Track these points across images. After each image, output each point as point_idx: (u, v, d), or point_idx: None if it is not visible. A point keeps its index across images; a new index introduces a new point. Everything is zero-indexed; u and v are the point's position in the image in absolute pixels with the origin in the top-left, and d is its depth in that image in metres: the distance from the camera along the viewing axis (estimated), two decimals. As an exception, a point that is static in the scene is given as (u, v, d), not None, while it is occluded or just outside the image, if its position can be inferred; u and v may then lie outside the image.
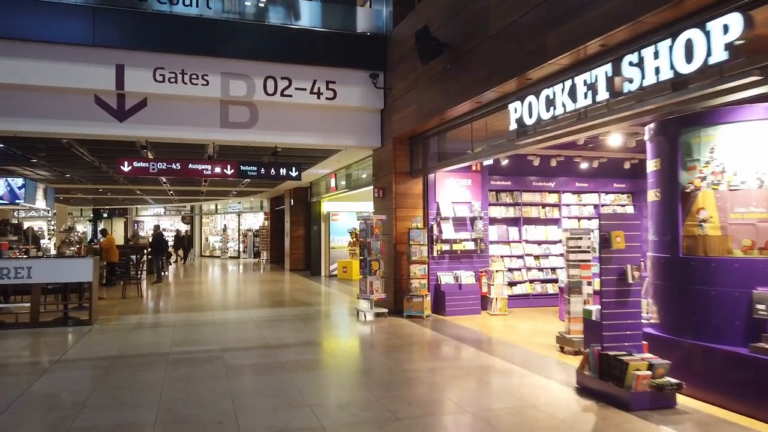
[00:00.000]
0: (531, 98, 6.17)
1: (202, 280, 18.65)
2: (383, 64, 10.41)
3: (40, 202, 15.16)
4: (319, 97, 10.06)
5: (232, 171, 10.26)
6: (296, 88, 9.94)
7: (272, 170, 10.57)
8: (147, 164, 9.77)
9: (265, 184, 19.85)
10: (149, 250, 16.40)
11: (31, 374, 6.02)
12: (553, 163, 10.05)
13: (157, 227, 17.14)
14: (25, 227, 17.40)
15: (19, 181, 13.31)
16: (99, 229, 19.22)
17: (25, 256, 14.11)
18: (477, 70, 7.26)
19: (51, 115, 8.93)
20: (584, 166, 10.50)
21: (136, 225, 35.95)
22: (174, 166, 9.93)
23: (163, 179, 17.37)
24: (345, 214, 18.56)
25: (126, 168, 9.66)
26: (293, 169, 10.76)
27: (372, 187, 13.65)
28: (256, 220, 31.26)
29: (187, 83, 9.36)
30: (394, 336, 8.15)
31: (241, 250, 30.91)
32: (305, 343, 7.84)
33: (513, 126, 6.56)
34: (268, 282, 17.05)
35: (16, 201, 13.33)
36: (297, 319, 9.92)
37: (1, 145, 10.92)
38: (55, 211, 27.83)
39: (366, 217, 10.07)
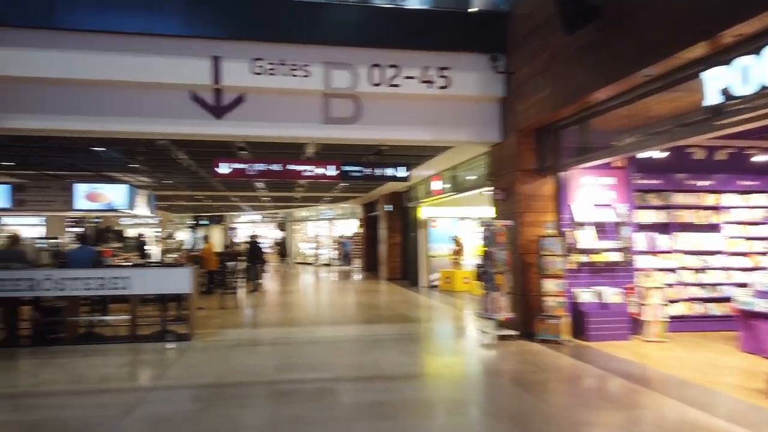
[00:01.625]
0: (747, 60, 4.55)
1: (297, 289, 18.01)
2: (504, 44, 9.01)
3: (142, 209, 15.09)
4: (430, 86, 8.83)
5: (335, 172, 9.26)
6: (405, 77, 8.76)
7: (377, 170, 9.46)
8: (245, 165, 8.98)
9: (360, 189, 18.94)
10: (246, 257, 15.93)
11: (125, 405, 5.19)
12: (721, 155, 8.17)
13: (253, 234, 16.67)
14: (129, 234, 17.60)
15: (123, 187, 13.17)
16: (202, 236, 19.06)
17: (128, 264, 14.01)
18: (647, 33, 5.70)
19: (146, 113, 8.33)
20: (757, 159, 8.50)
21: (231, 232, 36.57)
22: (273, 167, 9.08)
23: (259, 184, 16.88)
24: (444, 219, 17.23)
25: (222, 170, 8.92)
26: (400, 168, 9.59)
27: (479, 190, 12.33)
28: (348, 227, 30.70)
29: (287, 75, 8.45)
30: (534, 367, 6.70)
31: (333, 257, 30.38)
32: (429, 374, 6.59)
33: (712, 100, 4.95)
34: (366, 292, 16.05)
35: (119, 207, 13.19)
36: (408, 339, 8.72)
37: (103, 149, 10.61)
38: (160, 218, 28.72)
39: (488, 222, 8.70)
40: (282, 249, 26.53)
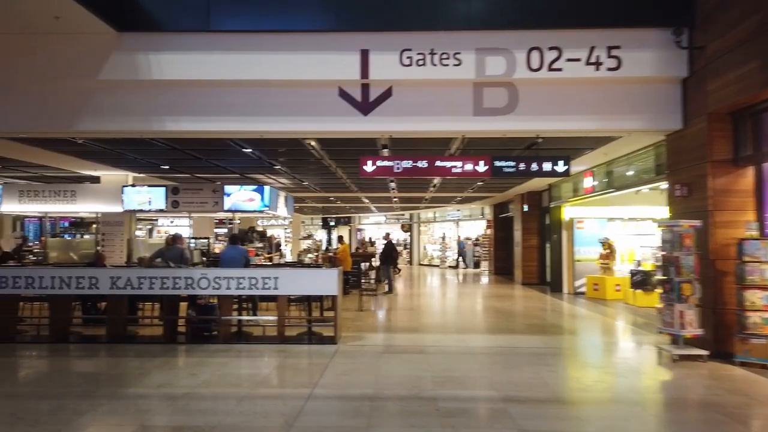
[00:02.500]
0: None
1: (431, 292, 17.50)
2: (689, 15, 7.71)
3: (282, 210, 15.44)
4: (597, 69, 7.78)
5: (486, 168, 8.52)
6: (568, 60, 7.81)
7: (533, 165, 8.57)
8: (391, 163, 8.56)
9: (494, 188, 17.95)
10: (379, 258, 15.70)
11: (285, 415, 4.88)
12: None
13: (387, 235, 16.43)
14: (267, 235, 18.18)
15: (266, 189, 13.49)
16: (336, 236, 19.23)
17: (269, 263, 14.37)
18: None
19: (295, 112, 8.19)
20: None
21: (359, 233, 37.13)
22: (419, 164, 8.56)
23: (392, 184, 16.60)
24: (591, 220, 15.74)
25: (369, 168, 8.57)
26: (559, 162, 8.61)
27: (645, 186, 10.94)
28: (474, 228, 29.76)
29: (437, 64, 7.87)
30: (746, 398, 5.48)
31: (459, 259, 29.58)
32: (613, 399, 5.62)
33: None
34: (505, 298, 15.07)
35: (263, 208, 13.53)
36: (569, 353, 7.78)
37: (249, 150, 10.80)
38: (290, 219, 29.74)
39: (671, 223, 7.46)
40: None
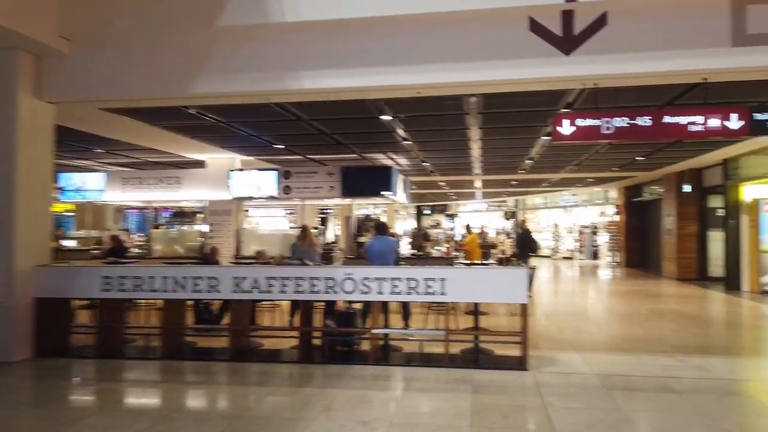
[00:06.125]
0: None
1: (570, 289, 15.01)
2: None
3: (401, 196, 13.41)
4: None
5: (741, 124, 5.97)
6: None
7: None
8: (597, 122, 6.19)
9: (650, 164, 14.81)
10: (515, 251, 13.38)
11: None
12: None
13: (523, 222, 14.06)
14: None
15: (386, 171, 11.51)
16: (464, 224, 17.05)
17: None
18: None
19: (465, 56, 6.01)
20: None
21: (456, 221, 34.75)
22: (640, 122, 6.15)
23: (528, 162, 14.11)
24: (784, 202, 12.59)
25: (566, 129, 6.27)
26: None
27: None
28: (587, 215, 26.59)
29: (679, -26, 5.45)
30: None
31: (576, 250, 26.56)
32: None
33: None
34: (678, 299, 12.27)
35: (384, 194, 11.55)
36: None
37: (389, 117, 8.70)
38: (385, 207, 27.79)
39: None
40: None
